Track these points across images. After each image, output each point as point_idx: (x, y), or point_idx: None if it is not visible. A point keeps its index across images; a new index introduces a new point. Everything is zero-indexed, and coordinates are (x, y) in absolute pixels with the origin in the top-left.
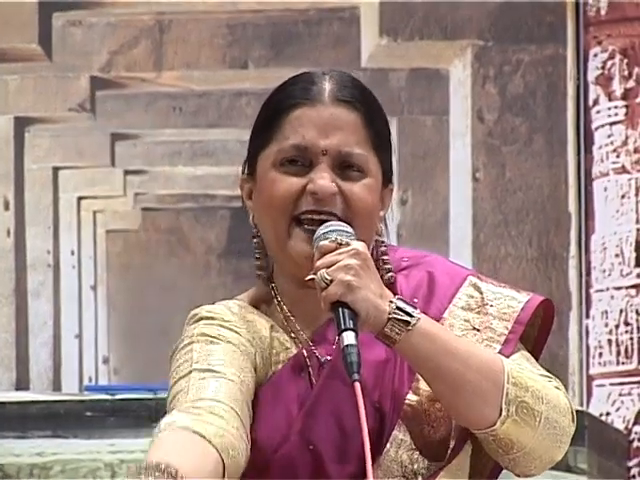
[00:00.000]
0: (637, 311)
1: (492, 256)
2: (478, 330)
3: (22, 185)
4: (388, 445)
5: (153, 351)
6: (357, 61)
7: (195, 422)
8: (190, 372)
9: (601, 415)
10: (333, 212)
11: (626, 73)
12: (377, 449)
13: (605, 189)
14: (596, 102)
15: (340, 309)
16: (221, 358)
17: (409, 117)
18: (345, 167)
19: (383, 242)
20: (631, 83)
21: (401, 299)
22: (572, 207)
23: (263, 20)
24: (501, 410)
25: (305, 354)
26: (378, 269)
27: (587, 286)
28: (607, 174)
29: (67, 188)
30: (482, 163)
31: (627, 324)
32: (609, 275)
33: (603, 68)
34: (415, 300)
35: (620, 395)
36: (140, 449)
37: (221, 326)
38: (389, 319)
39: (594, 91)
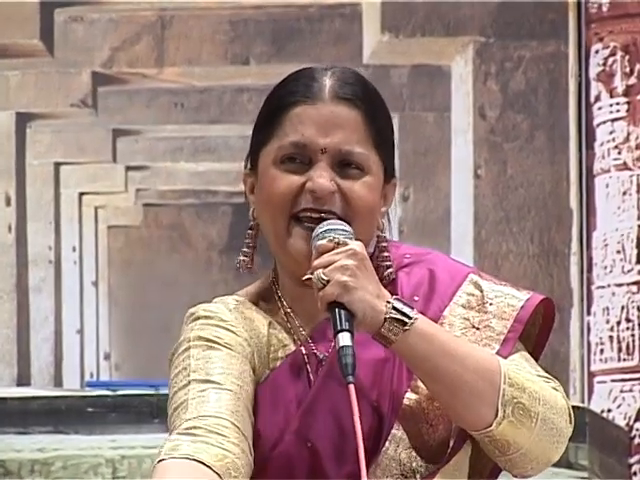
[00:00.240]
0: (638, 308)
1: (493, 253)
2: (478, 328)
3: (23, 181)
4: (387, 444)
5: (154, 347)
6: (359, 58)
7: (196, 448)
8: (189, 383)
9: (602, 412)
10: (332, 210)
11: (628, 70)
12: (375, 448)
13: (607, 186)
14: (598, 99)
15: (336, 310)
16: (220, 366)
17: (411, 114)
18: (345, 165)
19: (385, 238)
20: (633, 80)
21: (398, 299)
22: (573, 204)
23: (265, 16)
24: (497, 411)
25: (304, 352)
26: (378, 265)
27: (588, 283)
28: (608, 171)
29: (68, 184)
30: (484, 160)
31: (628, 321)
32: (610, 272)
33: (605, 65)
34: (416, 298)
35: (621, 392)
36: (141, 445)
37: (218, 326)
38: (386, 319)
39: (596, 88)
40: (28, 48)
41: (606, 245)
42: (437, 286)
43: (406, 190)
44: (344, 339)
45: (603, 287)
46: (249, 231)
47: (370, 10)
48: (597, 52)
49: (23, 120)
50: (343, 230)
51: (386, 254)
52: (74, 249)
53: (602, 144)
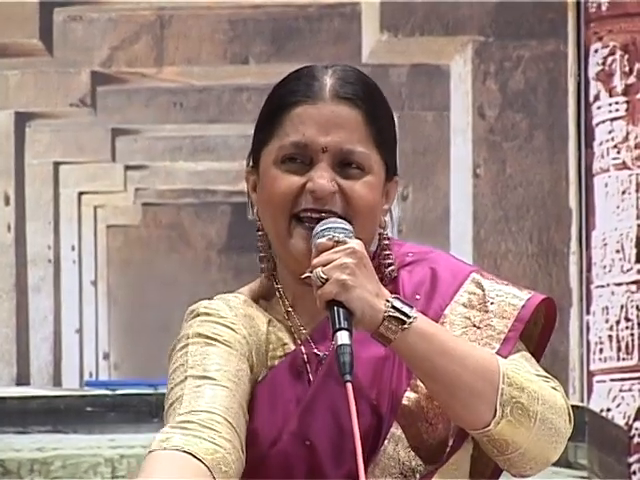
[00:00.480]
0: (637, 307)
1: (492, 252)
2: (478, 327)
3: (23, 180)
4: (386, 442)
5: (153, 346)
6: (358, 57)
7: (187, 440)
8: (185, 379)
9: (601, 411)
10: (333, 210)
11: (627, 69)
12: (374, 447)
13: (606, 185)
14: (597, 98)
15: (335, 308)
16: (217, 362)
17: (410, 113)
18: (346, 165)
19: (387, 236)
20: (632, 79)
21: (398, 298)
22: (573, 203)
23: (264, 16)
24: (496, 410)
25: (304, 350)
26: (380, 263)
27: (588, 282)
28: (608, 170)
29: (68, 183)
30: (483, 159)
31: (628, 320)
32: (610, 271)
33: (604, 64)
34: (417, 296)
35: (620, 391)
36: (140, 444)
37: (217, 323)
38: (384, 318)
39: (595, 87)
40: (27, 47)
41: (605, 244)
42: (439, 285)
43: (405, 189)
44: (342, 338)
45: (602, 286)
46: (259, 233)
47: (369, 9)
48: (596, 51)
49: (22, 119)
50: (343, 228)
51: (388, 252)
52: (73, 248)
53: (601, 143)
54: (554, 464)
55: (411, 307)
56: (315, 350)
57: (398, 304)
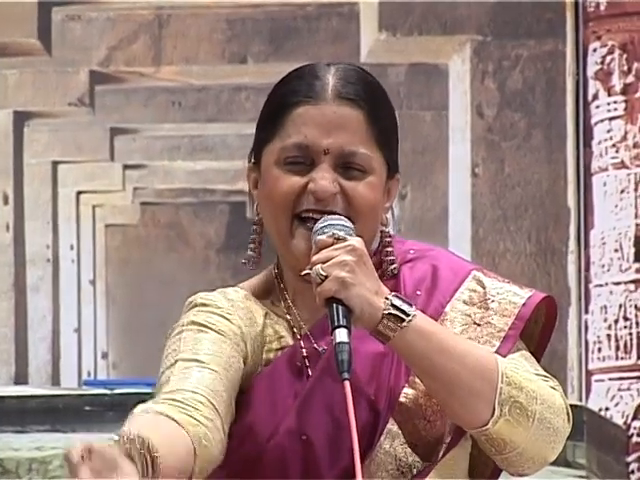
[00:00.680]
0: (636, 306)
1: (491, 251)
2: (479, 325)
3: (21, 180)
4: (382, 438)
5: (152, 346)
6: (356, 56)
7: (170, 409)
8: (175, 362)
9: (600, 410)
10: (335, 211)
11: (625, 68)
12: (370, 442)
13: (604, 184)
14: (595, 97)
15: (334, 305)
16: (208, 347)
17: (408, 112)
18: (347, 166)
19: (389, 233)
20: (630, 78)
21: (397, 296)
22: (571, 202)
23: (262, 15)
24: (494, 409)
25: (302, 345)
26: (382, 260)
27: (586, 281)
28: (606, 169)
29: (66, 182)
30: (481, 158)
31: (626, 319)
32: (608, 270)
33: (602, 63)
34: (418, 292)
35: (619, 390)
36: None
37: (213, 313)
38: (383, 316)
39: (593, 86)
40: (26, 47)
41: (604, 243)
42: (439, 282)
43: (404, 189)
44: (341, 335)
45: (601, 285)
46: (254, 226)
47: (367, 9)
48: (595, 50)
49: (21, 119)
50: (343, 226)
51: (390, 249)
52: (72, 248)
53: (600, 142)
54: (552, 463)
55: (410, 305)
56: (315, 345)
57: (397, 302)
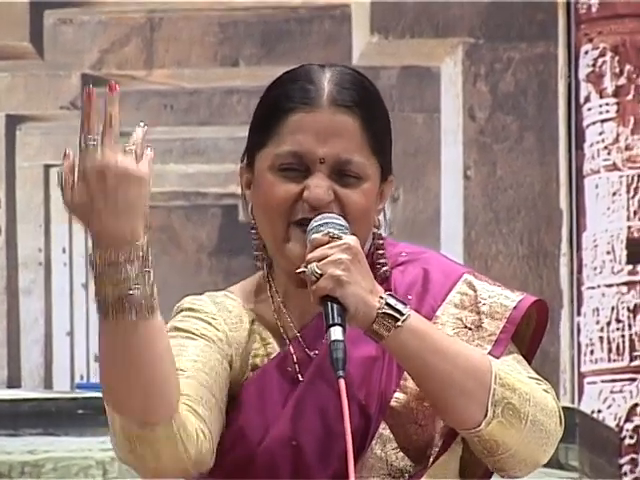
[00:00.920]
0: (628, 308)
1: (483, 254)
2: (470, 329)
3: (13, 183)
4: (373, 442)
5: None
6: (348, 59)
7: None
8: None
9: (592, 412)
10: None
11: (617, 70)
12: (361, 447)
13: (596, 186)
14: (587, 99)
15: (329, 304)
16: (192, 353)
17: (400, 115)
18: (343, 173)
19: (381, 235)
20: (622, 80)
21: (392, 295)
22: (563, 204)
23: (254, 18)
24: (487, 411)
25: (292, 350)
26: (374, 263)
27: (578, 283)
28: (598, 171)
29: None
30: (473, 161)
31: (618, 321)
32: (600, 272)
33: (594, 65)
34: (409, 297)
35: (611, 392)
36: None
37: (198, 318)
38: (378, 315)
39: (585, 88)
40: (18, 50)
41: (596, 246)
42: (431, 286)
43: (395, 191)
44: (335, 333)
45: (593, 288)
46: (252, 231)
47: (359, 11)
48: (587, 53)
49: (13, 122)
50: (338, 224)
51: (382, 252)
52: (64, 251)
53: (592, 145)
54: (545, 465)
55: (405, 304)
56: (306, 350)
57: (392, 301)
